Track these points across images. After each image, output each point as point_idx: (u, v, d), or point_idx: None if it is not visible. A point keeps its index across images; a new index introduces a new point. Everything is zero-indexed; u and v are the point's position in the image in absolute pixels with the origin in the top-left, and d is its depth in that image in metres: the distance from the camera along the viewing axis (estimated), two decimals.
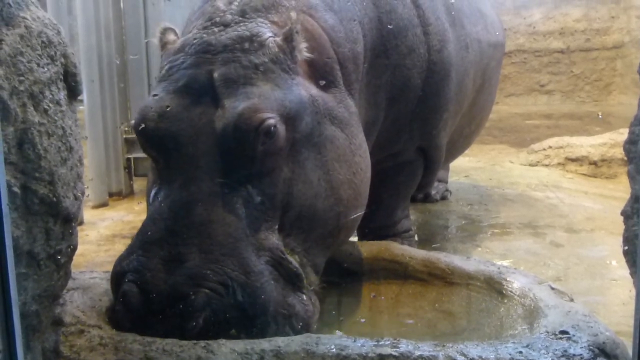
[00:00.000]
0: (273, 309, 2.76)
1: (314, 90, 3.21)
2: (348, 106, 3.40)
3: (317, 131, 3.17)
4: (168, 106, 2.99)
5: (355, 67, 3.56)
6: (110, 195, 6.68)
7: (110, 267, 4.06)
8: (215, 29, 3.13)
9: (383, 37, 3.82)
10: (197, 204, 2.86)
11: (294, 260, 2.92)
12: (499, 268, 3.34)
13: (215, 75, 3.00)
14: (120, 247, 5.17)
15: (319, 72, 3.28)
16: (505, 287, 3.16)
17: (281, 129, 2.97)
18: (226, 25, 3.14)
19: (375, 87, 3.82)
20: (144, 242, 2.85)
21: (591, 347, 2.47)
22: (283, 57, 3.09)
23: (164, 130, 2.96)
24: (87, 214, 6.03)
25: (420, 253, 3.59)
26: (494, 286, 3.22)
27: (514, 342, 2.47)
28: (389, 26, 3.85)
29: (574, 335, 2.53)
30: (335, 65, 3.39)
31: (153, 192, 3.05)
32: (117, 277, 2.83)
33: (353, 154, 3.31)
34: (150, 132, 2.98)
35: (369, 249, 3.63)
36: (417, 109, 4.14)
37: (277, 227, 2.96)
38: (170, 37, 3.36)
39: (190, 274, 2.71)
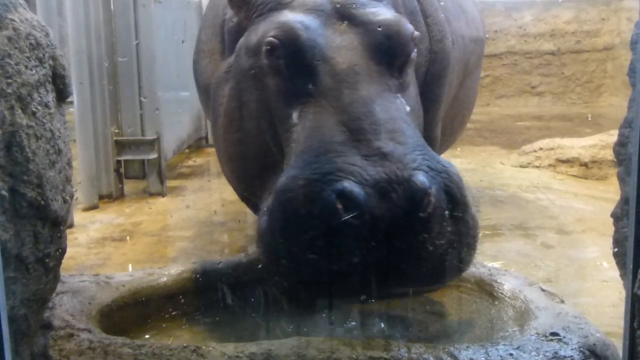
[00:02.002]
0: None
1: None
2: None
3: None
4: (306, 22, 3.04)
5: None
6: (101, 197, 6.65)
7: (100, 271, 4.04)
8: None
9: (407, 16, 3.88)
10: (374, 104, 2.85)
11: None
12: (489, 270, 3.34)
13: None
14: (110, 249, 5.16)
15: None
16: (496, 288, 3.17)
17: None
18: None
19: None
20: (330, 146, 2.71)
21: (582, 349, 2.47)
22: None
23: (311, 42, 2.99)
24: (77, 217, 6.01)
25: None
26: (484, 288, 3.22)
27: (504, 344, 2.47)
28: (408, 7, 3.96)
29: (564, 337, 2.53)
30: None
31: (298, 111, 2.93)
32: (315, 184, 2.57)
33: None
34: (301, 45, 2.98)
35: None
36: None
37: None
38: None
39: (402, 160, 2.64)
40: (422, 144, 2.82)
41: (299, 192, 2.58)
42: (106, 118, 6.75)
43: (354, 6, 3.14)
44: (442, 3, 4.55)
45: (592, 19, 14.60)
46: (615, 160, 2.33)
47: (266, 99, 3.11)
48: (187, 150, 9.12)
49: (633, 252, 1.86)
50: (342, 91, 2.89)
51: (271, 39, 3.02)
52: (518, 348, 2.44)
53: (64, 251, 2.49)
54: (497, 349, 2.43)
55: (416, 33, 3.22)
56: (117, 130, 6.89)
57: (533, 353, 2.42)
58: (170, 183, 7.38)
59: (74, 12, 6.35)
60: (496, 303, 3.11)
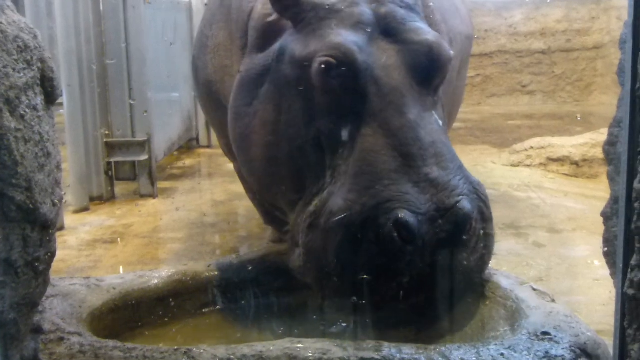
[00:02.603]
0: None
1: None
2: None
3: None
4: (359, 43, 3.10)
5: None
6: (91, 199, 6.63)
7: (91, 273, 4.03)
8: None
9: None
10: (420, 128, 3.00)
11: None
12: None
13: (383, 11, 3.20)
14: (101, 252, 5.14)
15: None
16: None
17: None
18: None
19: None
20: (384, 173, 2.90)
21: (573, 348, 2.47)
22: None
23: (364, 64, 3.06)
24: (68, 219, 5.99)
25: None
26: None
27: (495, 344, 2.47)
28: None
29: (555, 336, 2.53)
30: None
31: (347, 130, 3.05)
32: (372, 211, 2.81)
33: None
34: (357, 68, 3.05)
35: None
36: None
37: None
38: None
39: (447, 187, 2.88)
40: (460, 165, 3.05)
41: (356, 217, 2.82)
42: (96, 119, 6.74)
43: (395, 21, 3.20)
44: (431, 4, 4.56)
45: (582, 17, 14.65)
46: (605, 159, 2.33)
47: (313, 112, 3.16)
48: (175, 153, 9.10)
49: (623, 252, 1.87)
50: (390, 114, 3.02)
51: (328, 59, 3.05)
52: (509, 348, 2.44)
53: (53, 255, 2.48)
54: (488, 349, 2.43)
55: (452, 53, 3.28)
56: (107, 132, 6.88)
57: (524, 353, 2.42)
58: (161, 184, 7.37)
59: (64, 14, 6.32)
60: (487, 303, 3.10)
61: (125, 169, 7.05)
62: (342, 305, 3.01)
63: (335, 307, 3.08)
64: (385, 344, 2.47)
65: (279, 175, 3.30)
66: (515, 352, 2.42)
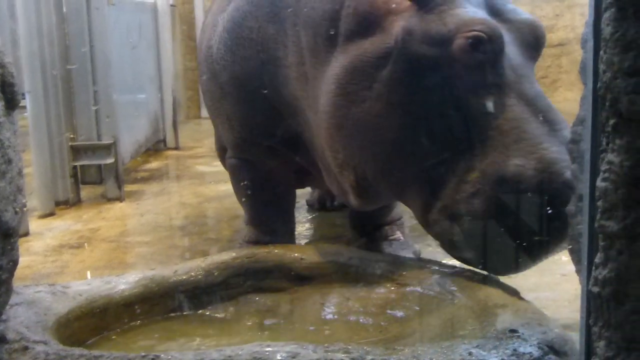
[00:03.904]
0: None
1: None
2: None
3: None
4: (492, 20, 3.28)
5: None
6: (57, 204, 6.54)
7: (57, 279, 3.98)
8: None
9: None
10: (545, 96, 3.29)
11: None
12: (449, 268, 3.36)
13: None
14: (67, 257, 5.07)
15: None
16: (455, 286, 3.18)
17: None
18: None
19: None
20: (540, 137, 3.12)
21: (540, 345, 2.49)
22: None
23: (502, 37, 3.24)
24: (33, 224, 5.90)
25: (371, 255, 3.59)
26: (444, 286, 3.23)
27: (463, 343, 2.48)
28: None
29: (523, 334, 2.55)
30: None
31: (491, 101, 3.21)
32: (544, 175, 3.03)
33: None
34: (502, 42, 3.23)
35: (319, 252, 3.62)
36: None
37: None
38: None
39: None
40: None
41: (532, 180, 3.05)
42: (61, 123, 6.65)
43: (497, 2, 3.43)
44: None
45: (546, 15, 14.78)
46: None
47: (453, 87, 3.26)
48: (139, 158, 9.00)
49: (587, 249, 1.88)
50: (524, 85, 3.26)
51: (478, 33, 3.18)
52: (477, 346, 2.45)
53: (16, 263, 2.45)
54: (456, 348, 2.44)
55: None
56: (72, 136, 6.79)
57: (492, 351, 2.42)
58: (128, 188, 7.29)
59: (26, 15, 6.22)
60: (456, 301, 3.12)
61: (91, 173, 6.97)
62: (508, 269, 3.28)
63: (500, 271, 3.29)
64: (355, 345, 2.46)
65: (414, 155, 3.35)
66: (483, 350, 2.43)
